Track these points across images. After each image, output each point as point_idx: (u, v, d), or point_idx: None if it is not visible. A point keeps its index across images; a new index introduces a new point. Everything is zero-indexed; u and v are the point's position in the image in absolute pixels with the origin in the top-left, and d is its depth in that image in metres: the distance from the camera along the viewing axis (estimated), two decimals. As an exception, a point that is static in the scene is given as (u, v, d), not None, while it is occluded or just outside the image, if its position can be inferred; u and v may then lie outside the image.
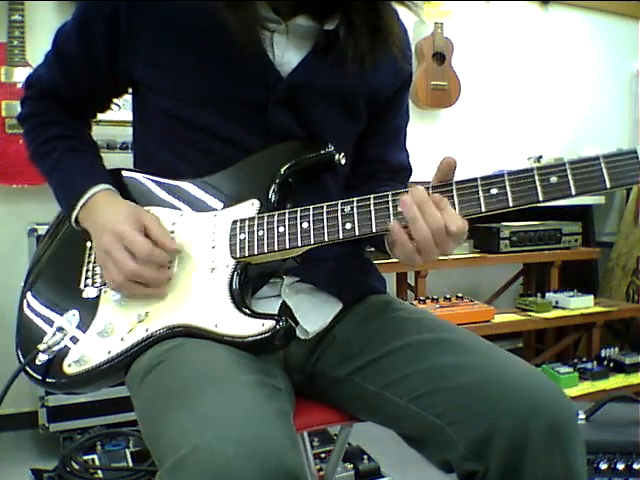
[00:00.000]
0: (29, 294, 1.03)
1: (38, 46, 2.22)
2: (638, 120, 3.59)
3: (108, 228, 0.91)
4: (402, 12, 1.00)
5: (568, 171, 0.78)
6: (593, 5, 3.43)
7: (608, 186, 0.76)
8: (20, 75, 2.20)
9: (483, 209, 0.81)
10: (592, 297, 2.78)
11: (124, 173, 1.04)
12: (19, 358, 0.98)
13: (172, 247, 0.91)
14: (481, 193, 0.81)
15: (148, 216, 0.93)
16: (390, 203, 0.84)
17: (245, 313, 0.86)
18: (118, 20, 0.93)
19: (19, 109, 1.07)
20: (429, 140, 2.99)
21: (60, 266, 1.04)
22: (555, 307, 2.72)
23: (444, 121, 3.11)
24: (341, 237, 0.85)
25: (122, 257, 0.89)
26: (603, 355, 2.70)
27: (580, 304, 2.71)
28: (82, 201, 0.96)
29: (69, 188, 0.99)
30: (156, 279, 0.90)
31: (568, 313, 2.66)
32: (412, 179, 1.17)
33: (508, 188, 0.80)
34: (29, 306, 1.02)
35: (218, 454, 0.64)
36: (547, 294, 2.77)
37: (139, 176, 1.03)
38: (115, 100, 1.09)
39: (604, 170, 0.76)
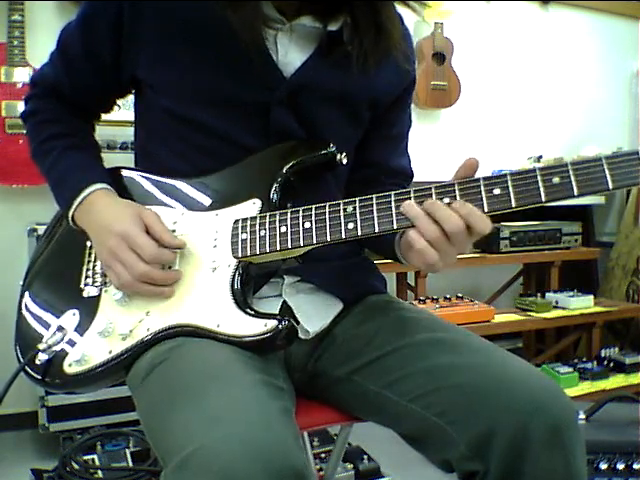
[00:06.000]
0: (28, 293, 1.03)
1: (38, 46, 2.22)
2: (638, 120, 3.59)
3: (112, 229, 0.90)
4: (403, 13, 1.00)
5: (570, 172, 0.78)
6: (593, 5, 3.43)
7: (610, 187, 0.76)
8: (20, 75, 2.20)
9: (486, 209, 0.80)
10: (592, 297, 2.77)
11: (125, 172, 1.04)
12: (18, 358, 0.98)
13: (176, 244, 0.91)
14: (484, 193, 0.80)
15: (149, 214, 0.92)
16: (393, 203, 0.84)
17: (247, 313, 0.86)
18: (121, 19, 0.93)
19: (20, 109, 1.07)
20: (429, 140, 2.99)
21: (60, 265, 1.04)
22: (555, 307, 2.71)
23: (444, 121, 3.11)
24: (344, 237, 0.85)
25: (130, 258, 0.88)
26: (603, 355, 2.70)
27: (580, 304, 2.71)
28: (78, 200, 0.96)
29: (65, 186, 0.99)
30: (165, 279, 0.90)
31: (568, 313, 2.66)
32: (414, 179, 1.16)
33: (511, 189, 0.80)
34: (28, 305, 1.02)
35: (224, 454, 0.64)
36: (547, 294, 2.77)
37: (140, 175, 1.03)
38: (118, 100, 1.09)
39: (606, 171, 0.76)
